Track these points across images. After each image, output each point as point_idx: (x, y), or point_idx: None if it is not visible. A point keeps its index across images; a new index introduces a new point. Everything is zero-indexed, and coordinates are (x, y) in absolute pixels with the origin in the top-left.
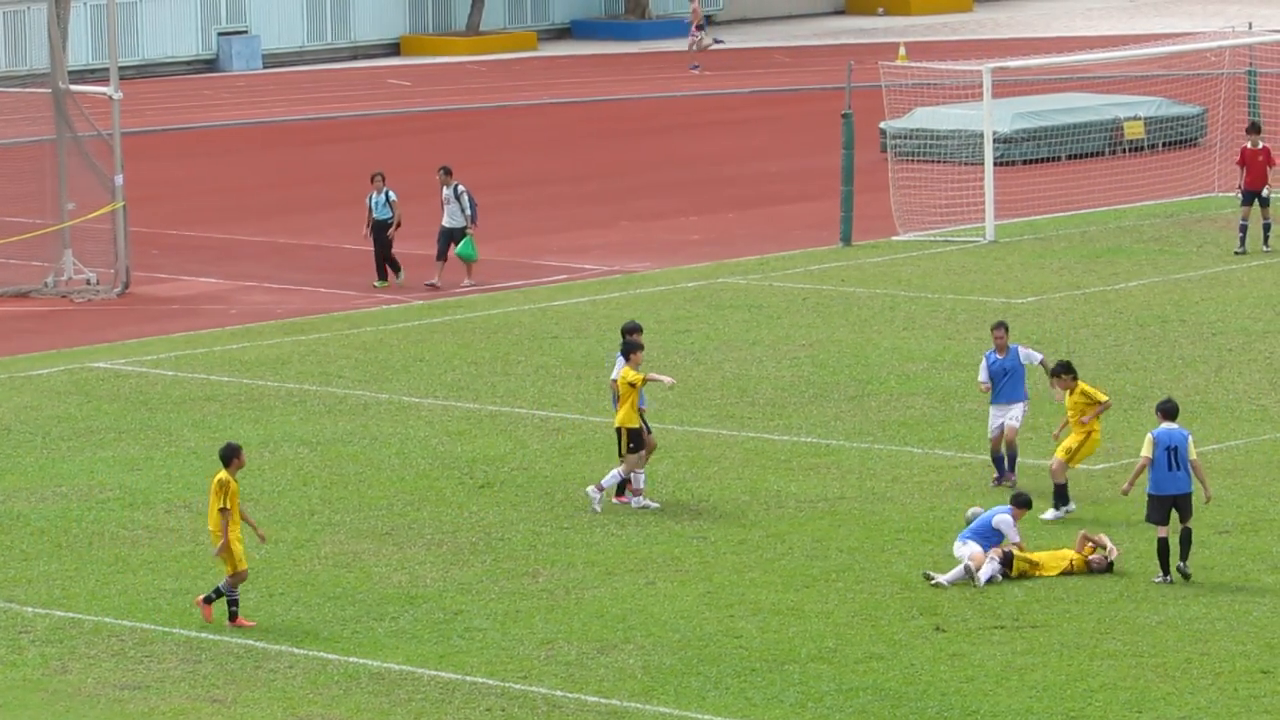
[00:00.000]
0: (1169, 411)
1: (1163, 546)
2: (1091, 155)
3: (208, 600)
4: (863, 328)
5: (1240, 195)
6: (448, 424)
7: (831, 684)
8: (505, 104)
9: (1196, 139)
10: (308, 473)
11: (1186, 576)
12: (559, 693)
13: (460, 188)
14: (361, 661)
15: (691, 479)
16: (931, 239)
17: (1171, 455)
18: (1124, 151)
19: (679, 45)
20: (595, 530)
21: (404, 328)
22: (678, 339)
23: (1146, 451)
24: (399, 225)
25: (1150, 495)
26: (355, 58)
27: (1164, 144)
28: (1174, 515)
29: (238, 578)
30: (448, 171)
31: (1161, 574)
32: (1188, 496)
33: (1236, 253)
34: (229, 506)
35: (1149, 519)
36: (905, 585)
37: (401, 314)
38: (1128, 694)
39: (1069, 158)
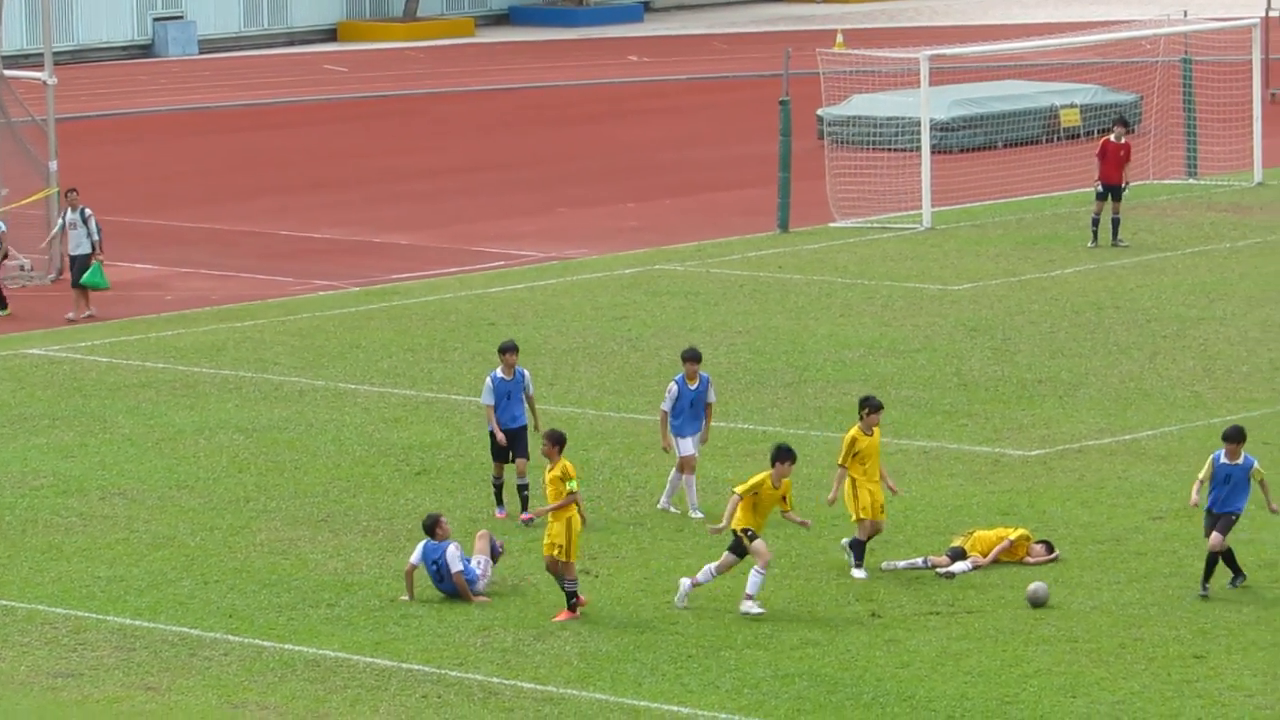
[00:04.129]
0: None
1: None
2: (1028, 142)
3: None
4: (800, 314)
5: (1098, 188)
6: (384, 411)
7: (767, 670)
8: (442, 90)
9: (1132, 126)
10: (243, 459)
11: None
12: (495, 679)
13: (87, 211)
14: (297, 649)
15: (628, 465)
16: (868, 226)
17: None
18: (1060, 139)
19: (618, 32)
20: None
21: (340, 314)
22: (615, 325)
23: None
24: (6, 256)
25: None
26: (292, 44)
27: (1100, 131)
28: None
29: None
30: (75, 193)
31: None
32: None
33: (1090, 248)
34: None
35: None
36: (842, 571)
37: (338, 300)
38: (1062, 679)
39: (1005, 145)
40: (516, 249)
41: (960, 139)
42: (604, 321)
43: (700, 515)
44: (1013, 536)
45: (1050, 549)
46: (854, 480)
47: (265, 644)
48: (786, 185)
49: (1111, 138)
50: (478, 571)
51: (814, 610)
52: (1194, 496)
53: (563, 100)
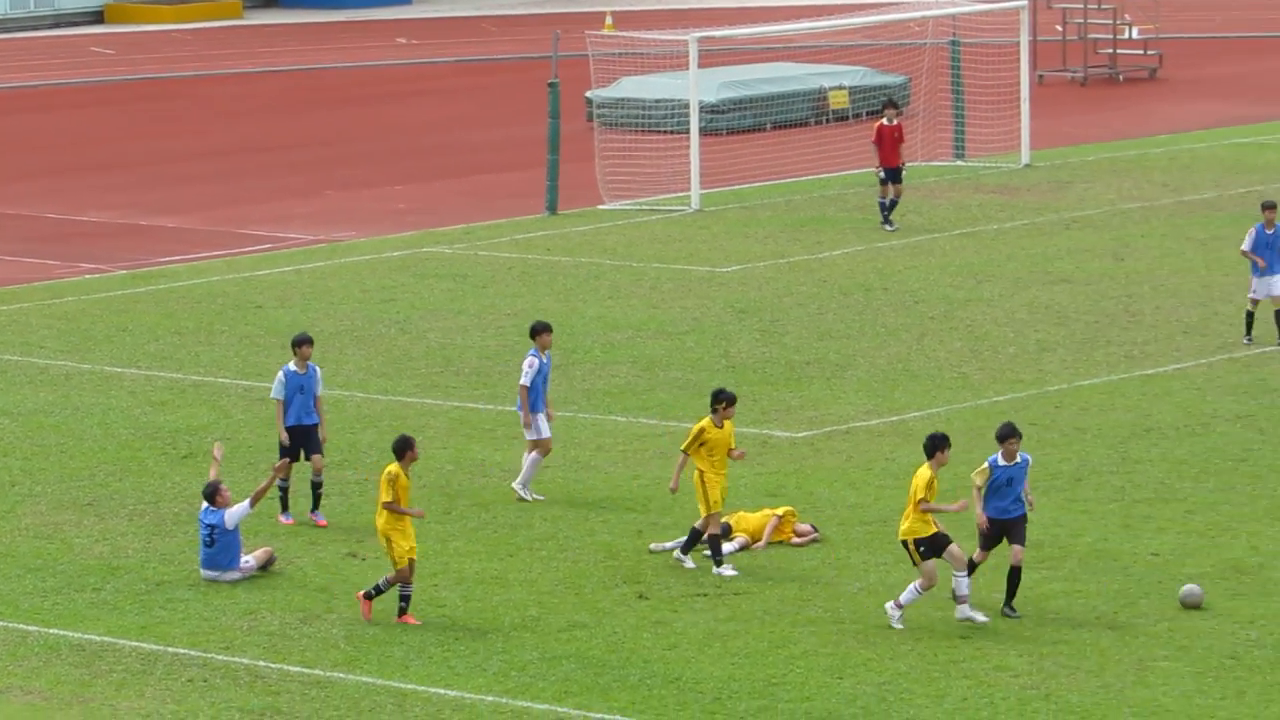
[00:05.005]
0: None
1: None
2: (796, 124)
3: (368, 596)
4: (568, 296)
5: (880, 173)
6: (151, 394)
7: (535, 652)
8: (210, 72)
9: (901, 108)
10: (8, 444)
11: None
12: (262, 663)
13: None
14: (62, 633)
15: None
16: (637, 208)
17: None
18: (828, 121)
19: (386, 14)
20: (300, 501)
21: (106, 298)
22: (383, 308)
23: None
24: None
25: None
26: (58, 26)
27: (868, 113)
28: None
29: (402, 574)
30: None
31: None
32: None
33: (888, 230)
34: (397, 500)
35: None
36: (609, 553)
37: (104, 284)
38: (828, 660)
39: (774, 127)
40: (284, 231)
41: (729, 121)
42: (372, 304)
43: (540, 497)
44: (779, 513)
45: (813, 529)
46: (702, 474)
47: (30, 628)
48: (555, 167)
49: (884, 121)
50: (249, 563)
51: (581, 593)
52: (978, 512)
53: (331, 83)
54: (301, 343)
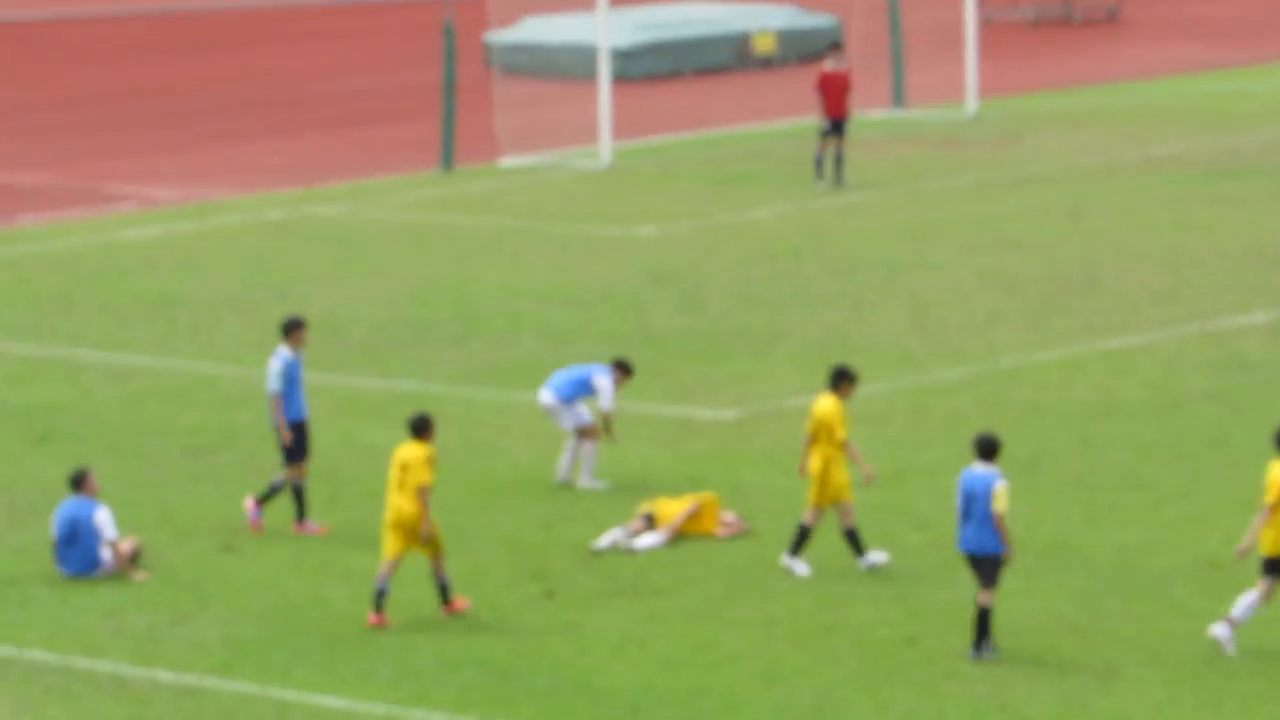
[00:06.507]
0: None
1: None
2: (718, 70)
3: (447, 601)
4: (466, 262)
5: (825, 124)
6: (4, 369)
7: (431, 657)
8: (68, 15)
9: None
10: None
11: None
12: (127, 669)
13: None
14: None
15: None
16: (542, 163)
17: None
18: (753, 67)
19: None
20: (167, 487)
21: None
22: (261, 274)
23: None
24: None
25: None
26: None
27: (797, 58)
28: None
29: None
30: None
31: None
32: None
33: (819, 189)
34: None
35: None
36: (513, 546)
37: None
38: (758, 665)
39: (694, 73)
40: (151, 188)
41: (643, 66)
42: (248, 270)
43: (604, 484)
44: (700, 499)
45: (739, 519)
46: (827, 458)
47: None
48: (450, 119)
49: (827, 66)
50: (108, 559)
51: (483, 590)
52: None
53: (198, 25)
54: (298, 325)
